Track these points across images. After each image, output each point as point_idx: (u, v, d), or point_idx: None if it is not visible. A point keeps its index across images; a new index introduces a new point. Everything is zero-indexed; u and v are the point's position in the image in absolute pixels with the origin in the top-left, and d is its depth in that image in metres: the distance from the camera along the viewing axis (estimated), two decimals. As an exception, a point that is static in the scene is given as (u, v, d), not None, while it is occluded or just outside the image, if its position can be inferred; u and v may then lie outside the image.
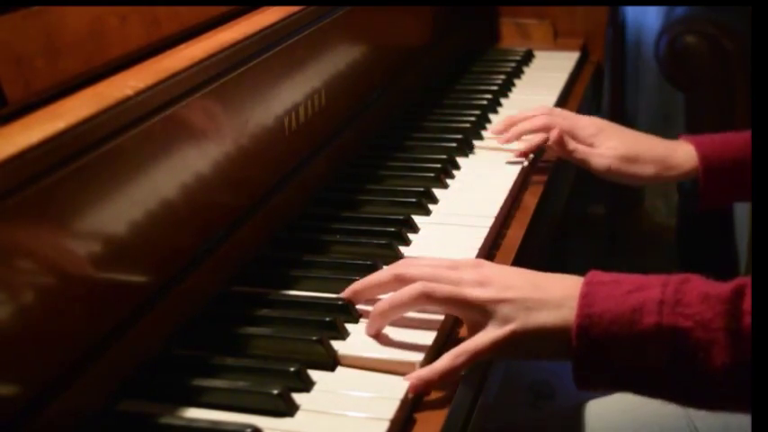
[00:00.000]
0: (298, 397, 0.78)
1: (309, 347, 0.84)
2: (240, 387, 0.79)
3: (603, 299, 0.80)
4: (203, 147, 0.93)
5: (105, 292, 0.78)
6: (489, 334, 0.82)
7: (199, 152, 0.92)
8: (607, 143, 1.26)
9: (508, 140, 1.32)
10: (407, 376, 0.82)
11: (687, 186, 1.27)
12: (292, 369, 0.80)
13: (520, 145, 1.31)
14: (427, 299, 0.84)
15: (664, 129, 2.57)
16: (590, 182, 1.31)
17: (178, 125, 0.88)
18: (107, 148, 0.78)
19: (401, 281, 0.87)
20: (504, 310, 0.82)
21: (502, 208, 1.15)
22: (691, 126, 2.31)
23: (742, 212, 2.24)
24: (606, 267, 0.84)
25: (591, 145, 1.27)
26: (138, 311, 0.83)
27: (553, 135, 1.26)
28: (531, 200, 1.23)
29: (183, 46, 0.94)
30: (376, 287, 0.90)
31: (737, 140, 1.22)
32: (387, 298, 0.87)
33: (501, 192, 1.18)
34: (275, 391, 0.77)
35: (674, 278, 0.80)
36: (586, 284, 0.81)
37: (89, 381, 0.75)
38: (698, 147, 1.22)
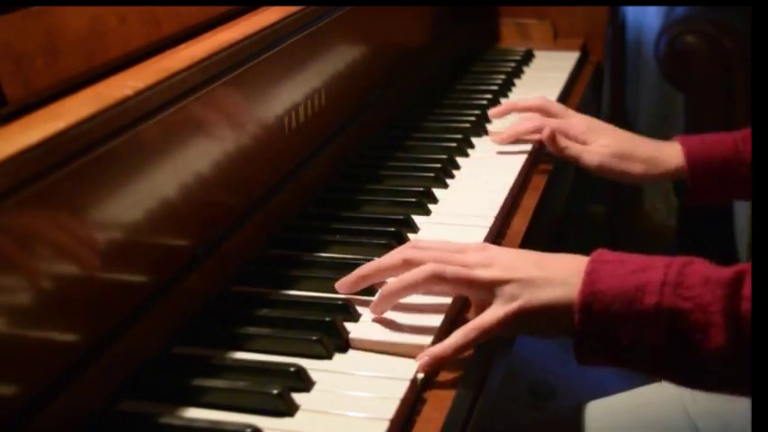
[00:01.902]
0: (298, 397, 0.78)
1: (309, 347, 0.84)
2: (240, 387, 0.79)
3: (608, 276, 0.82)
4: (203, 146, 0.93)
5: (105, 291, 0.78)
6: (496, 311, 0.85)
7: (199, 152, 0.92)
8: (599, 140, 1.28)
9: (503, 141, 1.35)
10: (419, 356, 0.84)
11: (680, 185, 1.28)
12: (292, 369, 0.80)
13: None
14: (437, 279, 0.87)
15: (664, 129, 2.57)
16: (590, 181, 1.31)
17: (178, 125, 0.88)
18: (107, 148, 0.78)
19: (410, 264, 0.89)
20: (509, 288, 0.85)
21: (502, 208, 1.15)
22: (691, 126, 2.30)
23: (742, 213, 2.24)
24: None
25: (583, 142, 1.29)
26: (138, 311, 0.83)
27: (545, 133, 1.28)
28: (530, 199, 1.23)
29: (183, 46, 0.94)
30: (384, 271, 0.92)
31: (726, 140, 1.23)
32: (397, 278, 0.89)
33: (501, 192, 1.18)
34: (275, 391, 0.77)
35: (678, 260, 0.82)
36: (592, 262, 0.84)
37: (89, 381, 0.75)
38: (684, 146, 1.24)
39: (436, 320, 0.89)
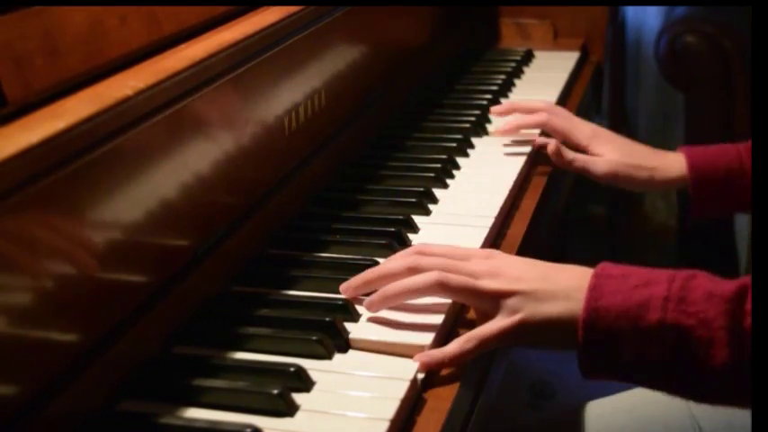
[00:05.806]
0: (298, 397, 0.78)
1: (309, 347, 0.84)
2: (240, 387, 0.79)
3: (611, 293, 0.81)
4: (203, 146, 0.93)
5: (105, 291, 0.78)
6: (498, 323, 0.85)
7: (199, 152, 0.92)
8: (602, 147, 1.27)
9: (506, 132, 1.37)
10: (417, 356, 0.83)
11: (684, 195, 1.28)
12: (292, 369, 0.80)
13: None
14: (441, 288, 0.87)
15: (663, 129, 2.57)
16: (590, 182, 1.31)
17: (178, 125, 0.88)
18: (107, 148, 0.78)
19: (415, 272, 0.89)
20: (513, 300, 0.84)
21: (502, 208, 1.15)
22: (690, 126, 2.30)
23: (742, 214, 2.24)
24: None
25: (585, 147, 1.29)
26: (138, 311, 0.83)
27: (551, 148, 1.27)
28: (530, 200, 1.23)
29: (183, 46, 0.94)
30: (389, 277, 0.91)
31: (730, 151, 1.22)
32: (401, 282, 0.88)
33: (501, 191, 1.18)
34: (275, 391, 0.77)
35: (681, 274, 0.82)
36: (595, 276, 0.83)
37: (89, 381, 0.75)
38: (688, 157, 1.23)
39: (437, 320, 0.89)
